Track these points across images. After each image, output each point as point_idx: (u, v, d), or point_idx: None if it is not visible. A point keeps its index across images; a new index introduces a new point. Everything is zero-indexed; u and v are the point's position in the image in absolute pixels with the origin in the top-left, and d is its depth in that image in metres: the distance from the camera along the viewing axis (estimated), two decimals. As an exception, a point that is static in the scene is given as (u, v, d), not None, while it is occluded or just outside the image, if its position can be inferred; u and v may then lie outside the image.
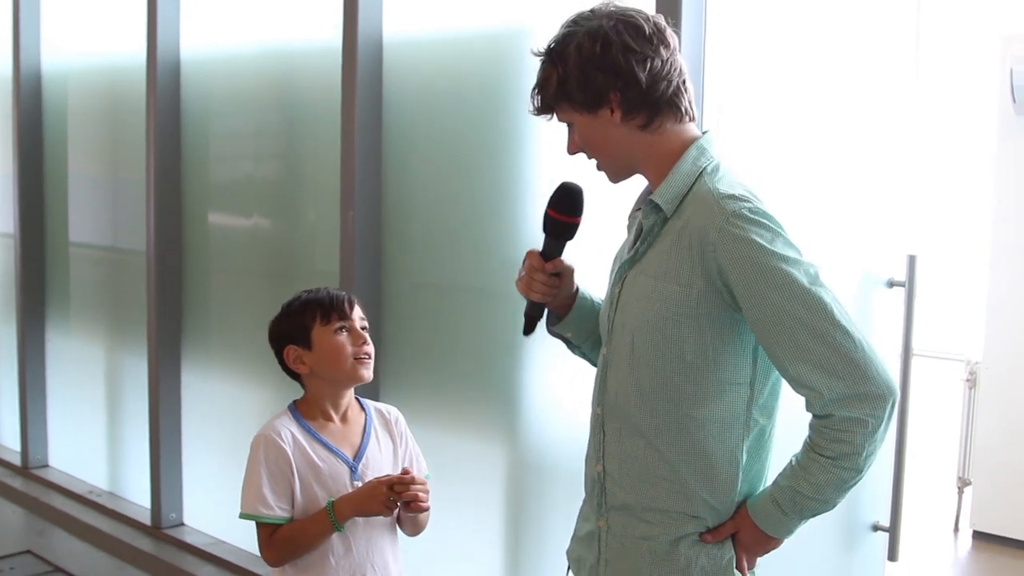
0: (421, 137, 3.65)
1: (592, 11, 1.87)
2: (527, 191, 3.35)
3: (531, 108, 1.95)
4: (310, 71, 4.05)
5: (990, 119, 5.20)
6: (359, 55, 3.60)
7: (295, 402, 2.37)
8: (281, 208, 4.28)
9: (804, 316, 1.70)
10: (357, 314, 2.34)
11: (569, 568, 2.12)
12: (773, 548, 1.91)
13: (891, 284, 3.21)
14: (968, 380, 5.25)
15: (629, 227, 2.04)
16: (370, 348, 2.33)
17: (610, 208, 2.27)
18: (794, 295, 1.71)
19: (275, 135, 4.31)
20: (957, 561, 5.09)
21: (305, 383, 2.37)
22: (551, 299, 2.04)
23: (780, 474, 1.83)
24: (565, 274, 2.04)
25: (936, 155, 6.92)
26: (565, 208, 1.99)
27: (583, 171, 2.12)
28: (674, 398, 1.82)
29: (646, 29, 1.84)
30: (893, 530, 3.22)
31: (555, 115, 1.93)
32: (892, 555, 3.24)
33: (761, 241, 1.73)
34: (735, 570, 1.89)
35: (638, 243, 1.88)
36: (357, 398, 2.42)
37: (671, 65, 1.86)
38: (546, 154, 3.26)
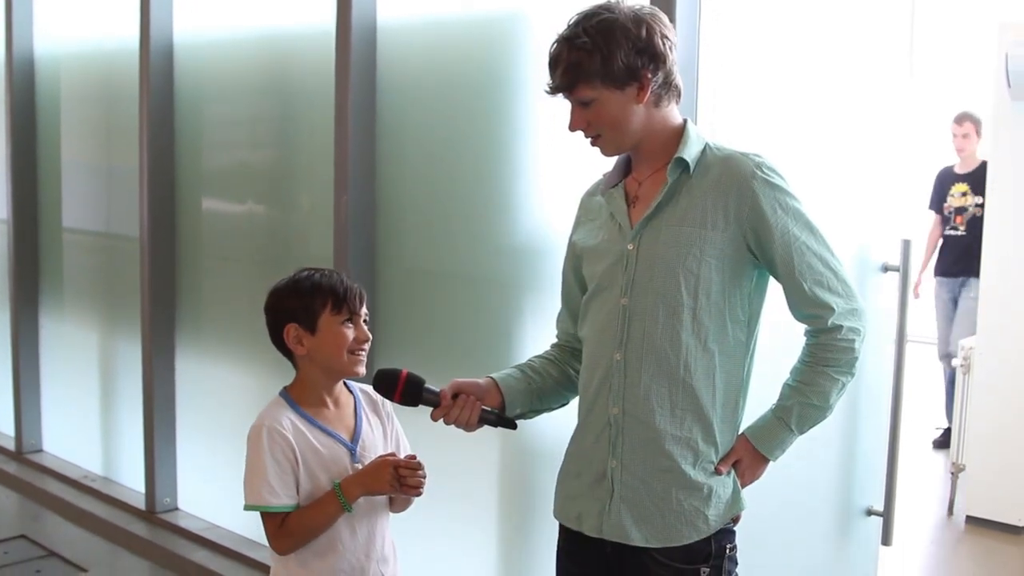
0: (415, 122, 3.64)
1: (614, 3, 2.10)
2: (522, 177, 3.35)
3: (549, 86, 2.13)
4: (304, 56, 4.04)
5: (986, 105, 5.19)
6: (353, 39, 3.59)
7: (287, 388, 2.36)
8: (275, 194, 4.27)
9: (814, 246, 2.08)
10: (363, 309, 2.34)
11: (561, 531, 2.27)
12: (761, 475, 2.20)
13: (885, 269, 3.21)
14: (962, 366, 5.26)
15: (605, 200, 2.23)
16: (368, 345, 2.34)
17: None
18: (808, 228, 2.08)
19: (269, 120, 4.30)
20: (950, 545, 5.11)
21: (298, 364, 2.36)
22: (476, 417, 2.20)
23: (778, 400, 2.14)
24: (461, 394, 2.21)
25: (932, 140, 6.93)
26: (390, 383, 2.20)
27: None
28: (700, 333, 2.09)
29: (667, 21, 2.12)
30: (887, 515, 3.24)
31: (572, 92, 2.10)
32: (886, 539, 3.26)
33: (784, 185, 2.09)
34: (741, 494, 2.16)
35: (659, 200, 2.11)
36: (344, 381, 2.42)
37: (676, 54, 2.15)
38: (541, 139, 3.26)
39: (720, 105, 2.83)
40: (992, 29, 5.19)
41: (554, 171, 3.22)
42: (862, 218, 3.19)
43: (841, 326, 2.07)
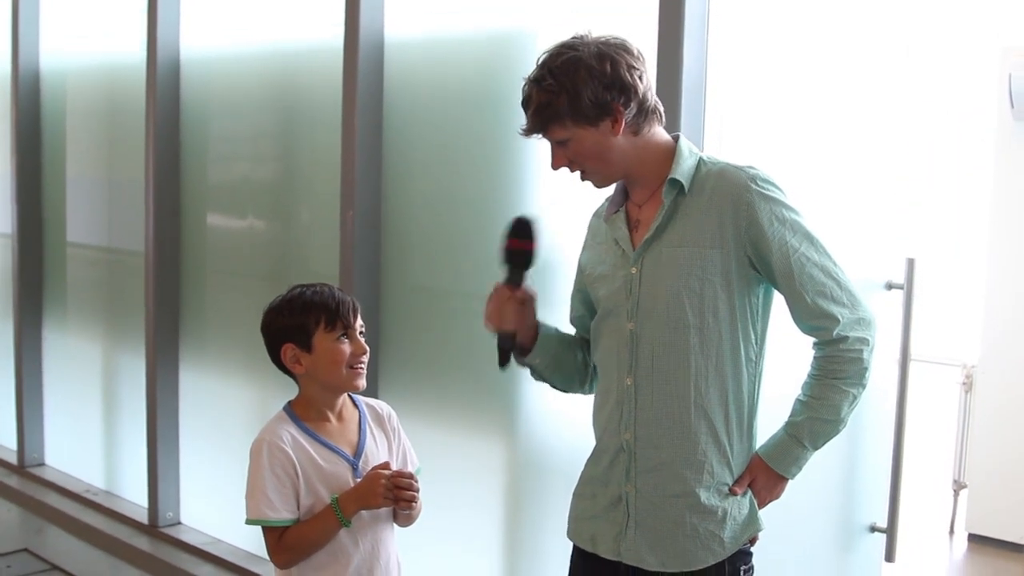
0: (422, 138, 3.65)
1: (579, 38, 2.08)
2: (527, 194, 3.36)
3: (523, 129, 2.13)
4: (311, 72, 4.06)
5: (989, 125, 5.23)
6: (360, 56, 3.61)
7: (290, 403, 2.37)
8: (280, 209, 4.28)
9: (815, 256, 2.05)
10: (359, 321, 2.34)
11: (575, 552, 2.27)
12: (780, 494, 2.17)
13: (890, 287, 3.22)
14: (964, 384, 5.27)
15: (609, 227, 2.21)
16: (367, 357, 2.34)
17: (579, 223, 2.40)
18: (807, 239, 2.06)
19: (275, 136, 4.31)
20: (952, 563, 5.10)
21: (300, 382, 2.36)
22: (521, 328, 2.23)
23: (790, 417, 2.11)
24: (530, 301, 2.24)
25: (936, 159, 6.95)
26: (523, 236, 2.20)
27: (573, 180, 2.18)
28: (709, 354, 2.07)
29: (634, 50, 2.09)
30: (890, 531, 3.24)
31: (546, 133, 2.11)
32: (889, 556, 3.26)
33: (780, 197, 2.07)
34: (758, 515, 2.15)
35: (657, 222, 2.09)
36: (349, 395, 2.42)
37: (649, 78, 2.13)
38: (546, 157, 3.27)
39: (727, 122, 2.85)
40: (994, 52, 5.22)
41: (559, 189, 3.23)
42: (867, 236, 3.20)
43: (847, 336, 2.04)
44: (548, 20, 3.27)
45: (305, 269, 4.14)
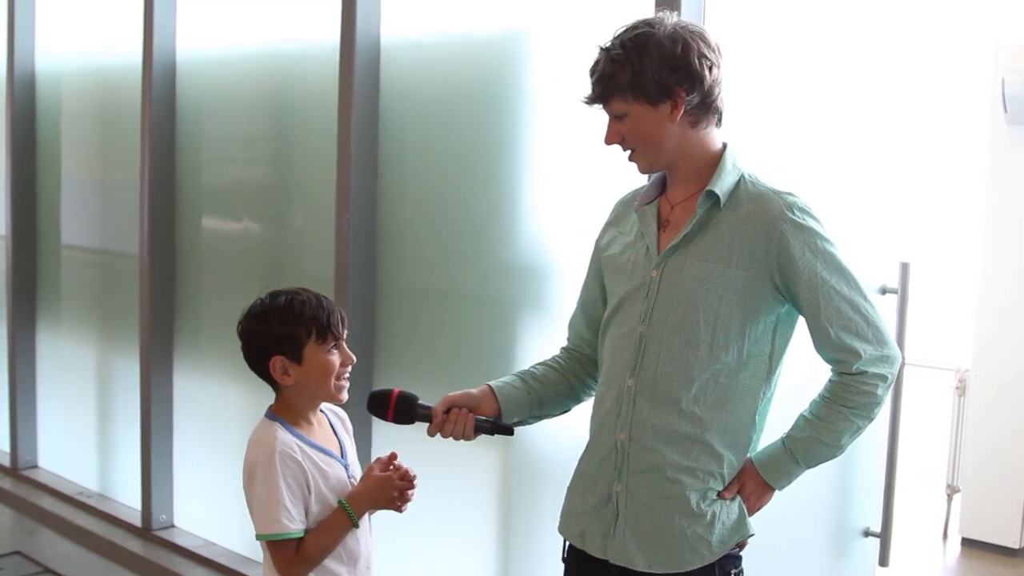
0: (417, 141, 3.65)
1: (659, 18, 2.08)
2: (523, 196, 3.36)
3: (586, 97, 2.11)
4: (307, 74, 4.06)
5: (982, 129, 5.22)
6: (356, 58, 3.60)
7: (275, 411, 2.30)
8: (275, 211, 4.28)
9: (844, 290, 2.04)
10: (345, 331, 2.32)
11: (566, 546, 2.26)
12: (767, 502, 2.17)
13: (884, 291, 3.22)
14: (958, 388, 5.27)
15: (638, 217, 2.19)
16: (351, 366, 2.31)
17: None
18: (839, 272, 2.04)
19: (270, 138, 4.31)
20: (946, 568, 5.11)
21: (284, 391, 2.30)
22: (471, 428, 2.19)
23: (792, 430, 2.11)
24: (455, 407, 2.20)
25: (930, 164, 6.95)
26: (383, 404, 2.21)
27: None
28: (715, 369, 2.06)
29: (712, 41, 2.09)
30: (884, 536, 3.24)
31: (607, 104, 2.09)
32: (883, 561, 3.25)
33: (816, 227, 2.05)
34: (747, 520, 2.14)
35: (686, 231, 2.08)
36: None
37: (722, 75, 2.12)
38: (542, 159, 3.27)
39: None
40: (988, 51, 5.21)
41: (555, 191, 3.23)
42: (861, 239, 3.20)
43: (866, 371, 2.03)
44: (544, 23, 3.28)
45: (300, 272, 4.13)
